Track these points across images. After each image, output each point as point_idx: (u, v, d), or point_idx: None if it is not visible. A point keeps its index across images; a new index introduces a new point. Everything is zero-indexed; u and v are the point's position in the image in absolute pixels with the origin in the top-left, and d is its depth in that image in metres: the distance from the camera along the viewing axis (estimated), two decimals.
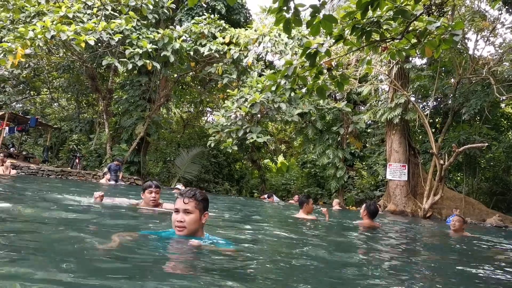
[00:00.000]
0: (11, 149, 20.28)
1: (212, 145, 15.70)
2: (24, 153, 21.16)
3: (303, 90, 8.08)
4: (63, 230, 2.98)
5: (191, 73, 20.66)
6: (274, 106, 13.94)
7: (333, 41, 6.39)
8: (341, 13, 6.57)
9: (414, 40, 6.14)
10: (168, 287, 1.70)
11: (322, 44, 6.22)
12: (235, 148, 14.40)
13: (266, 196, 17.80)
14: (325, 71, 6.77)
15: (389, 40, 6.27)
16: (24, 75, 23.62)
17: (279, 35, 14.71)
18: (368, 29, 5.75)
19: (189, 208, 2.71)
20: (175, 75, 20.84)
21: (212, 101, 28.39)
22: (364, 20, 5.67)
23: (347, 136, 18.26)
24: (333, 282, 2.15)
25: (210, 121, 30.94)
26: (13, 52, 11.96)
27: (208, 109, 32.52)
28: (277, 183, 26.22)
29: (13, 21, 15.22)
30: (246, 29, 16.29)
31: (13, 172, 12.74)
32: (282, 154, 31.34)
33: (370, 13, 5.84)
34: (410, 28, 5.97)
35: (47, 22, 11.95)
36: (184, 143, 27.22)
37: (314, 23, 5.43)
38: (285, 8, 5.44)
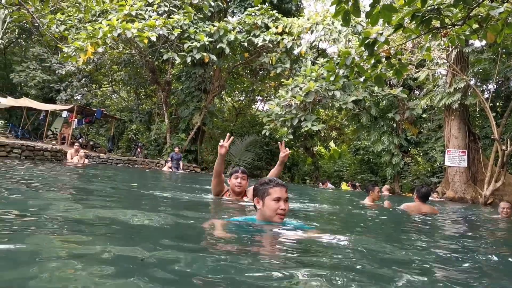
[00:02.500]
0: (80, 139, 21.79)
1: (267, 133, 16.10)
2: (91, 143, 22.66)
3: (361, 79, 8.21)
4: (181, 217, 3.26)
5: (244, 63, 21.12)
6: (328, 94, 14.05)
7: (392, 29, 6.51)
8: (401, 1, 6.65)
9: (475, 26, 6.12)
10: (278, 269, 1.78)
11: (381, 33, 6.34)
12: (291, 136, 14.69)
13: (323, 183, 18.10)
14: (383, 59, 6.89)
15: (449, 26, 6.28)
16: (88, 70, 25.15)
17: (333, 23, 14.74)
18: (428, 16, 5.79)
19: (288, 197, 2.92)
20: (230, 65, 21.35)
21: (263, 89, 28.79)
22: (425, 8, 5.75)
23: (403, 122, 17.97)
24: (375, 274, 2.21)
25: (262, 110, 31.40)
26: (84, 50, 12.91)
27: (259, 97, 32.97)
28: (329, 170, 26.29)
29: (80, 21, 16.33)
30: (299, 18, 16.42)
31: (86, 161, 13.83)
32: (333, 140, 31.25)
33: (430, 1, 5.90)
34: (472, 14, 5.96)
35: (114, 21, 12.79)
36: (237, 131, 27.88)
37: (373, 13, 5.56)
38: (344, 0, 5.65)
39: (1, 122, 15.77)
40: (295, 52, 16.69)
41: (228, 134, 4.73)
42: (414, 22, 5.87)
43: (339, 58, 14.54)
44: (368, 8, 5.64)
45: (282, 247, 2.44)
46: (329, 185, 18.50)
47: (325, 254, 2.36)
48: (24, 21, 12.83)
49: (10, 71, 26.61)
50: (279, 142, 4.82)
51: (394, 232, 4.33)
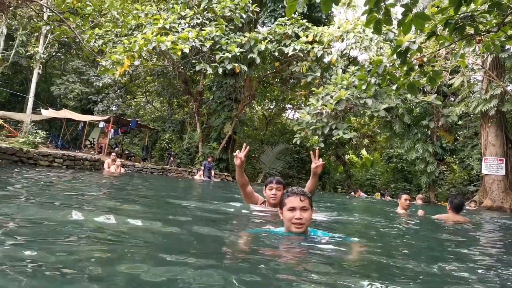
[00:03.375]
0: (116, 149, 22.47)
1: (298, 142, 16.15)
2: (126, 152, 23.33)
3: (393, 87, 8.18)
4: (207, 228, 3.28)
5: (274, 72, 21.29)
6: (360, 101, 13.99)
7: (425, 37, 6.48)
8: (433, 9, 6.62)
9: (511, 32, 6.03)
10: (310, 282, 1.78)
11: (414, 41, 6.32)
12: (322, 145, 14.68)
13: (356, 192, 17.97)
14: (416, 67, 6.86)
15: (484, 33, 6.20)
16: (123, 81, 25.99)
17: (364, 30, 14.71)
18: (461, 23, 5.75)
19: (305, 205, 2.80)
20: (260, 74, 21.57)
21: (294, 98, 28.87)
22: (458, 15, 5.71)
23: (438, 129, 17.61)
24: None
25: (293, 118, 31.44)
26: (121, 63, 13.40)
27: (289, 106, 33.05)
28: (361, 179, 25.99)
29: (117, 35, 16.96)
30: (329, 27, 16.47)
31: (123, 170, 14.28)
32: (365, 148, 30.90)
33: (463, 8, 5.85)
34: (507, 20, 5.87)
35: (149, 35, 13.24)
36: (267, 140, 28.03)
37: (405, 21, 5.56)
38: (375, 9, 5.68)
39: (43, 133, 16.48)
40: (326, 60, 16.72)
41: (244, 144, 4.46)
42: (447, 29, 5.84)
43: (370, 66, 14.47)
44: (400, 16, 5.65)
45: (306, 259, 2.34)
46: (361, 194, 18.32)
47: (349, 265, 2.33)
48: (65, 36, 13.48)
49: (51, 84, 27.87)
50: (311, 152, 4.47)
51: (418, 241, 4.29)
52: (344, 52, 18.31)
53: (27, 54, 21.93)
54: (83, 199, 4.68)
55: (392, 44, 13.93)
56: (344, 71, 16.76)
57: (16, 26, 19.06)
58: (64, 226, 2.63)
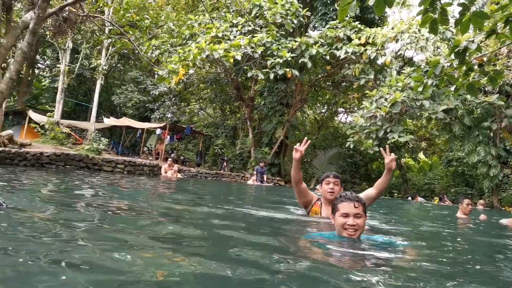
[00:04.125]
0: (172, 154, 23.28)
1: (351, 146, 15.92)
2: (181, 158, 24.09)
3: (452, 88, 7.90)
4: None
5: (326, 76, 21.14)
6: (416, 103, 13.57)
7: (484, 36, 6.23)
8: (492, 7, 6.36)
9: None
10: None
11: (472, 40, 6.10)
12: (376, 149, 14.38)
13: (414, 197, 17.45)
14: (476, 67, 6.59)
15: None
16: (178, 89, 26.91)
17: (419, 30, 14.26)
18: None
19: (360, 212, 2.75)
20: (312, 78, 21.51)
21: (346, 101, 28.46)
22: None
23: (500, 131, 16.64)
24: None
25: (345, 122, 30.98)
26: (176, 72, 13.93)
27: (342, 109, 32.61)
28: (419, 183, 25.09)
29: (172, 44, 17.64)
30: (382, 28, 16.12)
31: (179, 175, 14.79)
32: (422, 152, 29.80)
33: None
34: None
35: (202, 44, 13.68)
36: (319, 144, 27.79)
37: (463, 20, 5.38)
38: (431, 8, 5.54)
39: (105, 140, 17.45)
40: (379, 62, 16.38)
41: (305, 138, 4.22)
42: (508, 27, 5.59)
43: (427, 67, 14.00)
44: (457, 15, 5.48)
45: (358, 263, 2.30)
46: (419, 198, 17.71)
47: (404, 270, 2.29)
48: (125, 48, 14.24)
49: (111, 93, 29.43)
50: (381, 148, 4.19)
51: (480, 245, 4.12)
52: (398, 53, 17.85)
53: (90, 66, 23.34)
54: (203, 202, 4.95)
55: (450, 43, 13.40)
56: (399, 73, 16.32)
57: (80, 40, 20.35)
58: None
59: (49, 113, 18.74)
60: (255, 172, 17.22)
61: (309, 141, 4.16)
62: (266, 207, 5.78)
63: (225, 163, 21.98)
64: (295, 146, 3.98)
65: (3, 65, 9.83)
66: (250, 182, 16.97)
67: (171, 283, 1.61)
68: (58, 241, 2.17)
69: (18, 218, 2.67)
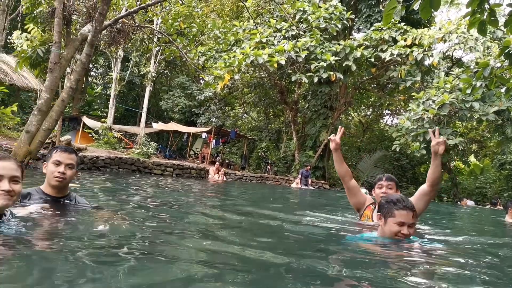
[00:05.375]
0: (217, 158, 23.80)
1: (397, 149, 15.65)
2: (226, 161, 24.57)
3: (502, 90, 7.68)
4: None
5: (371, 78, 20.89)
6: (465, 105, 13.17)
7: None
8: None
9: None
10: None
11: None
12: (423, 152, 14.07)
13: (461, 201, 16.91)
14: None
15: None
16: (222, 94, 27.47)
17: (468, 30, 13.84)
18: None
19: (415, 222, 2.75)
20: (357, 81, 21.31)
21: (392, 103, 27.90)
22: None
23: None
24: None
25: (391, 124, 30.38)
26: (222, 78, 14.32)
27: (387, 112, 31.99)
28: (470, 187, 24.16)
29: (217, 51, 18.12)
30: (429, 28, 15.76)
31: (225, 178, 15.16)
32: (473, 154, 28.64)
33: None
34: None
35: (247, 49, 13.99)
36: (365, 147, 27.45)
37: None
38: (478, 10, 5.46)
39: (154, 144, 18.16)
40: (426, 63, 16.02)
41: (340, 126, 4.09)
42: None
43: (477, 67, 13.56)
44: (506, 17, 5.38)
45: (404, 264, 2.29)
46: (468, 202, 17.13)
47: (447, 271, 2.27)
48: (173, 56, 14.83)
49: (159, 99, 30.47)
50: (430, 130, 3.88)
51: None
52: (446, 54, 17.36)
53: (140, 73, 24.35)
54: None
55: (501, 42, 12.90)
56: (447, 74, 15.89)
57: (131, 49, 21.32)
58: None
59: (103, 119, 19.74)
60: (299, 175, 17.31)
61: (343, 128, 4.03)
62: (317, 211, 5.86)
63: (269, 166, 22.21)
64: (329, 137, 3.87)
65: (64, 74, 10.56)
66: (294, 185, 17.07)
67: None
68: (137, 233, 2.46)
69: (100, 216, 3.00)
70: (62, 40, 9.74)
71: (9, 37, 14.24)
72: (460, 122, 20.90)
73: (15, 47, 12.49)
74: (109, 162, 11.71)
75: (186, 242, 2.39)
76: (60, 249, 1.90)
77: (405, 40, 15.66)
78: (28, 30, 11.15)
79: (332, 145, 3.85)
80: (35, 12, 11.18)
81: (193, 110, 28.16)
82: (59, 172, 2.72)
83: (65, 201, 2.84)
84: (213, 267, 1.85)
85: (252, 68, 18.80)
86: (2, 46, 16.87)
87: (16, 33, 11.75)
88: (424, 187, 3.68)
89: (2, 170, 1.99)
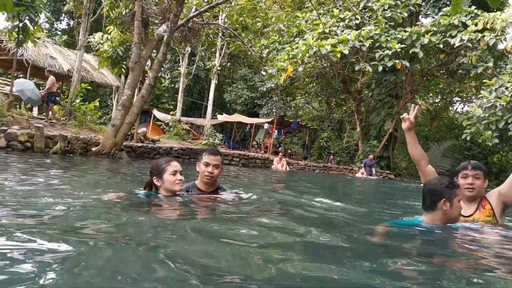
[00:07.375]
0: (279, 148, 24.25)
1: (468, 138, 15.09)
2: (289, 151, 24.94)
3: None
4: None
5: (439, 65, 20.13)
6: None
7: None
8: None
9: None
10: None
11: None
12: (496, 140, 13.49)
13: None
14: None
15: None
16: (284, 85, 27.76)
17: None
18: None
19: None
20: (424, 68, 20.64)
21: (462, 90, 26.61)
22: None
23: None
24: None
25: (462, 112, 29.01)
26: (285, 70, 14.61)
27: (457, 99, 30.50)
28: None
29: (280, 42, 18.39)
30: (502, 12, 14.91)
31: (288, 168, 15.53)
32: None
33: None
34: None
35: (310, 41, 14.14)
36: (433, 136, 26.50)
37: None
38: None
39: (220, 135, 18.93)
40: (499, 48, 15.20)
41: (413, 104, 3.59)
42: None
43: None
44: None
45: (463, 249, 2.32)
46: None
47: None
48: (239, 50, 15.37)
49: (222, 91, 31.43)
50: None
51: None
52: None
53: (206, 67, 25.28)
54: None
55: None
56: None
57: (196, 44, 22.22)
58: None
59: (172, 112, 20.84)
60: (363, 165, 17.25)
61: (417, 106, 3.39)
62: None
63: (332, 157, 22.24)
64: (402, 116, 3.38)
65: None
66: (358, 175, 17.06)
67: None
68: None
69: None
70: (141, 40, 10.56)
71: (88, 37, 15.54)
72: None
73: (92, 47, 13.65)
74: (181, 152, 12.52)
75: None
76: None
77: (476, 24, 14.94)
78: (108, 32, 12.17)
79: (405, 125, 3.30)
80: (112, 14, 12.13)
81: (255, 101, 28.76)
82: (208, 172, 3.31)
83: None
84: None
85: (314, 58, 18.86)
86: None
87: (98, 35, 12.83)
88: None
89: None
